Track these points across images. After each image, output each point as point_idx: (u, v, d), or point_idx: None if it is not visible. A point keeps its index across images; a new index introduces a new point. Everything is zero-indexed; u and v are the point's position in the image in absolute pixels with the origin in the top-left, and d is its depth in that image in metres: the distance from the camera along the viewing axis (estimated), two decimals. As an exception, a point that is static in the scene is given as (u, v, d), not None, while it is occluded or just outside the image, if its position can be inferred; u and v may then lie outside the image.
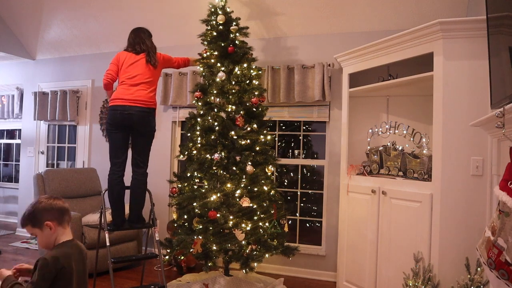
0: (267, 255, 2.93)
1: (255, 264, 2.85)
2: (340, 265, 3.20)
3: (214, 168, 2.99)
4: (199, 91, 3.19)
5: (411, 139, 2.79)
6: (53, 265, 1.50)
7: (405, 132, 2.83)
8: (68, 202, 4.02)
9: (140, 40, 3.03)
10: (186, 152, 3.20)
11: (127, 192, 2.97)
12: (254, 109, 3.11)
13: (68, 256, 1.57)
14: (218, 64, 3.11)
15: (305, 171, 3.97)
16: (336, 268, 3.30)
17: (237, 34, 3.21)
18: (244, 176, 2.92)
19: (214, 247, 2.79)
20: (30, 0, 4.39)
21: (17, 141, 5.96)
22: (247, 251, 2.83)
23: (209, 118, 3.04)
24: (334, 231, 3.54)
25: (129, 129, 2.89)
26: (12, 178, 6.17)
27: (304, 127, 3.93)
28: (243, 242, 2.80)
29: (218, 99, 3.15)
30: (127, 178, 2.95)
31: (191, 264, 3.75)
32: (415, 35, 2.53)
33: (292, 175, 4.03)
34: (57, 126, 5.15)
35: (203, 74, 3.23)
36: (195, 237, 2.90)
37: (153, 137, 3.02)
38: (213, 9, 3.23)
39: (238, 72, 3.09)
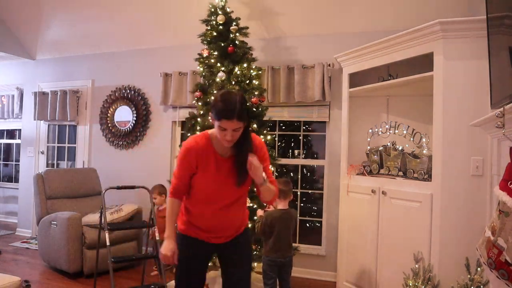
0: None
1: (255, 264, 2.84)
2: (340, 265, 3.20)
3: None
4: (199, 91, 3.19)
5: (411, 139, 2.78)
6: (265, 218, 2.53)
7: (405, 132, 2.83)
8: (68, 202, 4.04)
9: None
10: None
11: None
12: (254, 109, 3.11)
13: (272, 216, 2.52)
14: (218, 64, 3.11)
15: (305, 171, 3.97)
16: (336, 268, 3.30)
17: (237, 34, 3.22)
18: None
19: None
20: (30, 1, 4.39)
21: (17, 141, 5.96)
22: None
23: (209, 118, 3.03)
24: (334, 231, 3.54)
25: None
26: (12, 178, 6.17)
27: (304, 127, 3.93)
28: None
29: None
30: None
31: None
32: (415, 35, 2.53)
33: (292, 175, 4.03)
34: (57, 126, 5.15)
35: (203, 74, 3.24)
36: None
37: None
38: (213, 9, 3.23)
39: (238, 72, 3.09)
